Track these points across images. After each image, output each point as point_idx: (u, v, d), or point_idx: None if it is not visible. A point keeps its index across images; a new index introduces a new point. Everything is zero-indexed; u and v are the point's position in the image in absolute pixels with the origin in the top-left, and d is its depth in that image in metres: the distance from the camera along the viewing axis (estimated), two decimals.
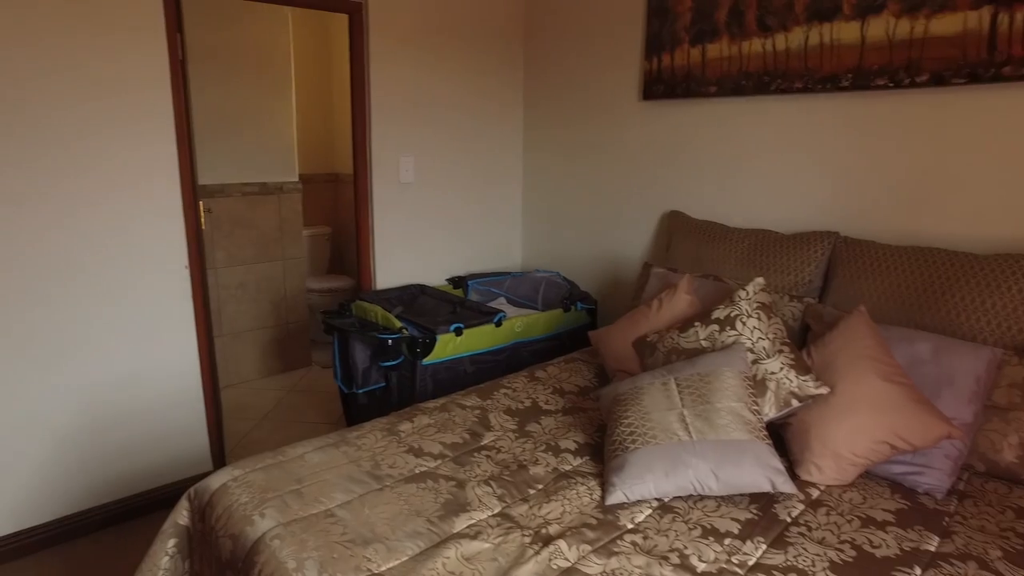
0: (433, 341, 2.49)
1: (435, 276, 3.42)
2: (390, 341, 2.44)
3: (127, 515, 2.62)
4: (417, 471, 1.70)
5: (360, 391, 2.60)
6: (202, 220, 2.92)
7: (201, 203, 2.87)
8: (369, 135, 3.08)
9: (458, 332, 2.57)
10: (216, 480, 1.63)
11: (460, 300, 2.99)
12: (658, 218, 3.08)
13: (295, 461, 1.72)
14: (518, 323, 2.78)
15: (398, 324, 2.55)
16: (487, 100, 3.46)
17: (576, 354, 2.61)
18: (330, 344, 4.69)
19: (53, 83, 2.25)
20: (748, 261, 2.49)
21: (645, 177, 3.10)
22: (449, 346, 2.55)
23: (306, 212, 4.79)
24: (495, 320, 2.69)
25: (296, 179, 4.05)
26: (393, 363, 2.51)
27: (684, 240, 2.78)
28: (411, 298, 3.13)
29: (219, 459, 2.92)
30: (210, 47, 3.61)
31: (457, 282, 3.37)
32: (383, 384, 2.65)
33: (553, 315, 2.93)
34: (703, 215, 2.87)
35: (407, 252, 3.30)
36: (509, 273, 3.44)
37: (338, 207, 5.15)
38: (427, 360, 2.50)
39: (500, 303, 3.37)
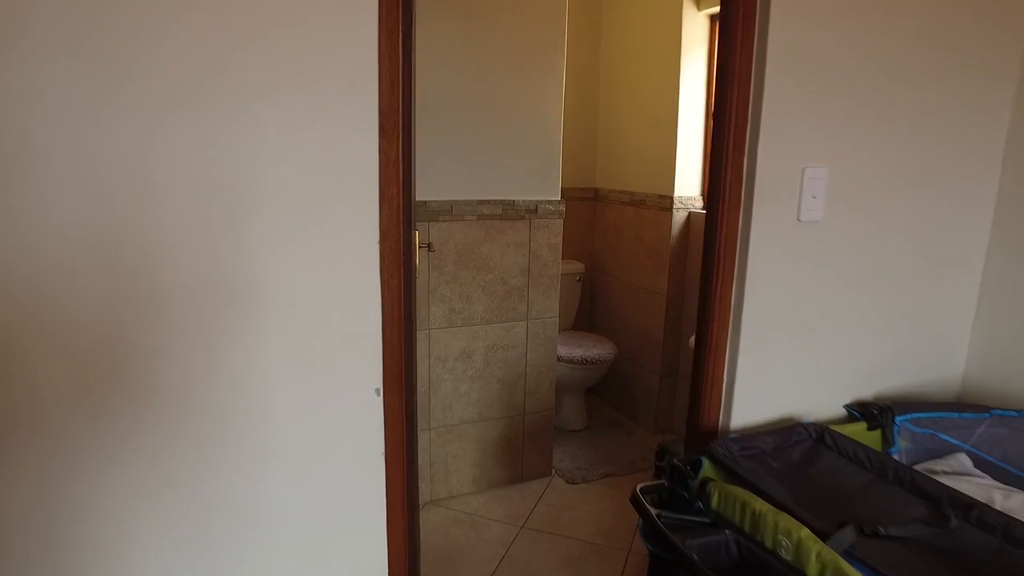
0: None
1: (823, 397, 1.78)
2: None
3: None
4: None
5: None
6: (416, 266, 1.59)
7: (416, 234, 1.53)
8: (755, 131, 1.52)
9: None
10: None
11: (943, 491, 1.34)
12: None
13: None
14: None
15: None
16: (951, 76, 1.74)
17: None
18: (579, 436, 3.20)
19: None
20: None
21: None
22: None
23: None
24: None
25: (557, 198, 2.62)
26: None
27: None
28: (805, 460, 1.52)
29: None
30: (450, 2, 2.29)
31: (872, 417, 1.71)
32: None
33: None
34: None
35: (789, 354, 1.69)
36: (989, 410, 1.70)
37: (594, 236, 3.69)
38: None
39: (959, 466, 1.66)
